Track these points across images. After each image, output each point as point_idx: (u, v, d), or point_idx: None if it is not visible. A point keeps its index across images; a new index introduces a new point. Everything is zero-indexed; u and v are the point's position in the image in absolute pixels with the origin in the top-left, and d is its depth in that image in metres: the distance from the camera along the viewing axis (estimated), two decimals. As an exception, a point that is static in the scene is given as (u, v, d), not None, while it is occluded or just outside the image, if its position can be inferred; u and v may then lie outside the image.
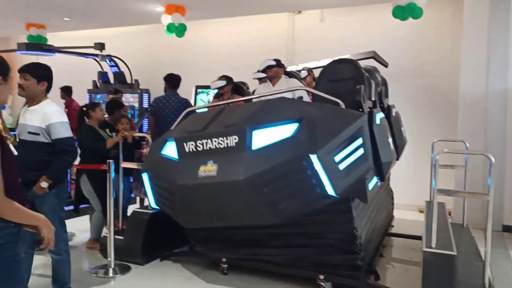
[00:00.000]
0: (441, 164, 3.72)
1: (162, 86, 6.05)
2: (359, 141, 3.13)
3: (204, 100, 8.00)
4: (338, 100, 3.46)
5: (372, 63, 6.06)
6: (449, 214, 5.62)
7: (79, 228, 5.39)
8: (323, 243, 3.54)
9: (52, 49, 8.37)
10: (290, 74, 5.30)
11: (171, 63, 8.66)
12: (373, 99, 4.27)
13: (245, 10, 7.60)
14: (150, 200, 3.74)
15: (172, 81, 5.79)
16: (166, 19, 7.18)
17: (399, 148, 4.68)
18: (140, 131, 7.68)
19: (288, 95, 4.44)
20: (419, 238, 4.82)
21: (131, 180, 5.32)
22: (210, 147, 3.18)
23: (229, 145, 3.12)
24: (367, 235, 3.78)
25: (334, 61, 4.69)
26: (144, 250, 4.25)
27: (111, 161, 4.00)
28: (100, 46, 7.94)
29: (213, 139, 3.17)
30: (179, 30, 7.23)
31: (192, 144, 3.26)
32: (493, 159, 3.12)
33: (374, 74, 5.06)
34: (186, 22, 7.30)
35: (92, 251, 4.63)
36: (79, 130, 4.70)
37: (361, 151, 3.13)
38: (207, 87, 7.01)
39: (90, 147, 4.58)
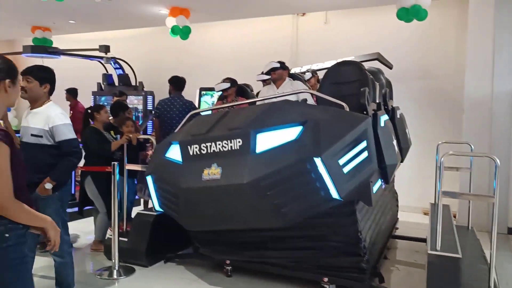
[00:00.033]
0: (446, 166, 3.70)
1: (166, 88, 6.07)
2: (364, 144, 3.12)
3: (209, 102, 8.01)
4: (342, 103, 3.45)
5: (376, 64, 6.05)
6: (454, 217, 5.59)
7: (84, 230, 5.41)
8: (327, 246, 3.54)
9: (57, 52, 8.41)
10: (294, 76, 5.30)
11: (175, 65, 8.69)
12: (377, 101, 4.26)
13: (249, 13, 7.61)
14: (154, 203, 3.75)
15: (177, 83, 5.80)
16: (171, 21, 7.20)
17: (403, 150, 4.67)
18: (145, 133, 7.71)
19: (292, 97, 4.44)
20: (423, 240, 4.80)
21: (136, 182, 5.33)
22: (214, 150, 3.18)
23: (233, 148, 3.12)
24: (371, 238, 3.77)
25: (338, 63, 4.69)
26: (148, 252, 4.26)
27: (115, 163, 4.02)
28: (105, 48, 7.98)
29: (217, 142, 3.17)
30: (183, 32, 7.26)
31: (196, 147, 3.27)
32: (498, 161, 3.10)
33: (379, 76, 5.05)
34: (190, 24, 7.32)
35: (97, 253, 4.66)
36: (84, 132, 4.73)
37: (365, 154, 3.12)
38: (211, 89, 7.03)
39: (95, 149, 4.60)
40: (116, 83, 8.76)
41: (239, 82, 5.48)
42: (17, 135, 3.39)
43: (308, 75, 5.95)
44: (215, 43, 8.69)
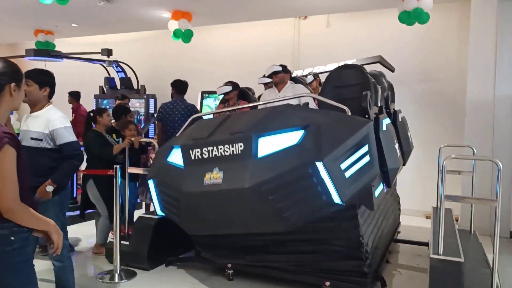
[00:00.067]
0: (448, 169, 3.70)
1: (168, 92, 6.08)
2: (365, 148, 3.12)
3: (211, 105, 8.03)
4: (344, 107, 3.45)
5: (378, 67, 6.05)
6: (456, 220, 5.58)
7: (85, 233, 5.42)
8: (329, 250, 3.53)
9: (59, 55, 8.45)
10: (295, 80, 5.30)
11: (177, 68, 8.71)
12: (379, 104, 4.26)
13: (251, 16, 7.63)
14: (156, 207, 3.75)
15: (180, 87, 5.81)
16: (173, 25, 7.23)
17: (405, 153, 4.66)
18: (146, 136, 7.72)
19: (294, 101, 4.45)
20: (425, 244, 4.79)
21: (137, 185, 5.34)
22: (216, 155, 3.18)
23: (234, 152, 3.11)
24: (373, 242, 3.76)
25: (340, 67, 4.69)
26: (150, 256, 4.26)
27: (117, 166, 4.02)
28: (107, 52, 8.00)
29: (219, 147, 3.17)
30: (185, 36, 7.28)
31: (198, 151, 3.26)
32: (501, 164, 3.09)
33: (380, 79, 5.05)
34: (192, 28, 7.35)
35: (98, 256, 4.65)
36: (86, 136, 4.74)
37: (367, 159, 3.12)
38: (213, 92, 7.04)
39: (97, 153, 4.61)
40: (118, 87, 8.78)
41: (241, 85, 5.49)
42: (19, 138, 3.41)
43: (310, 78, 5.95)
44: (217, 46, 8.71)
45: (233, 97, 5.27)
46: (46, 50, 8.57)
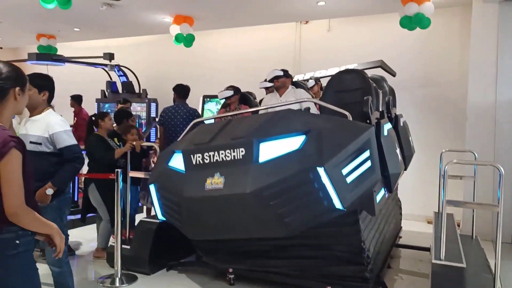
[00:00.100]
0: (449, 174, 3.69)
1: (170, 96, 6.09)
2: (367, 154, 3.12)
3: (213, 109, 8.04)
4: (346, 112, 3.45)
5: (379, 72, 6.06)
6: (458, 225, 5.56)
7: (86, 237, 5.42)
8: (330, 255, 3.52)
9: (61, 59, 8.48)
10: (297, 84, 5.31)
11: (178, 73, 8.73)
12: (380, 109, 4.26)
13: (252, 21, 7.65)
14: (157, 212, 3.75)
15: (182, 91, 5.83)
16: (175, 29, 7.25)
17: (407, 158, 4.66)
18: (148, 140, 7.73)
19: (295, 106, 4.45)
20: (427, 249, 4.77)
21: (139, 189, 5.34)
22: (217, 160, 3.18)
23: (236, 157, 3.11)
24: (375, 247, 3.75)
25: (341, 72, 4.70)
26: (151, 260, 4.25)
27: (119, 170, 4.03)
28: (109, 56, 8.03)
29: (220, 152, 3.17)
30: (187, 40, 7.30)
31: (199, 156, 3.26)
32: (502, 169, 3.09)
33: (382, 84, 5.06)
34: (194, 32, 7.37)
35: (99, 260, 4.65)
36: (88, 140, 4.75)
37: (368, 164, 3.12)
38: (215, 96, 7.06)
39: (99, 157, 4.61)
40: (120, 91, 8.81)
41: (242, 90, 5.50)
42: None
43: (311, 83, 5.96)
44: (218, 50, 8.73)
45: (235, 102, 5.27)
46: (48, 54, 8.61)
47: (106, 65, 8.35)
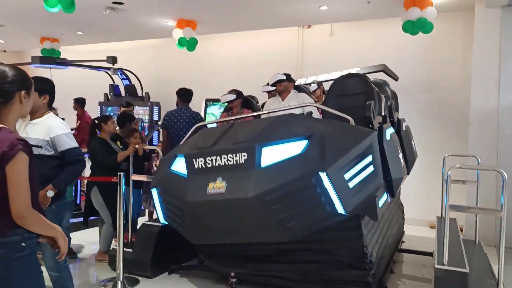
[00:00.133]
0: (452, 179, 3.68)
1: (172, 99, 6.11)
2: (369, 159, 3.11)
3: (215, 112, 8.05)
4: (348, 117, 3.44)
5: (382, 76, 6.06)
6: (461, 230, 5.54)
7: (89, 240, 5.42)
8: (333, 260, 3.52)
9: (65, 63, 8.52)
10: (299, 88, 5.32)
11: (181, 76, 8.76)
12: (383, 113, 4.26)
13: (255, 25, 7.67)
14: (159, 216, 3.75)
15: (185, 95, 5.85)
16: (178, 33, 7.28)
17: (409, 162, 4.65)
18: (150, 143, 7.74)
19: (298, 110, 4.45)
20: (430, 254, 4.75)
21: (141, 192, 5.35)
22: (219, 164, 3.18)
23: (238, 162, 3.11)
24: (378, 252, 3.74)
25: (343, 76, 4.70)
26: (153, 263, 4.25)
27: (121, 173, 4.03)
28: (112, 59, 8.06)
29: (223, 156, 3.16)
30: (190, 44, 7.33)
31: (201, 161, 3.26)
32: (506, 174, 3.08)
33: (384, 88, 5.05)
34: (197, 36, 7.40)
35: (101, 263, 4.65)
36: (91, 143, 4.76)
37: (371, 169, 3.11)
38: (217, 100, 7.07)
39: (102, 160, 4.62)
40: (123, 94, 8.84)
41: (245, 93, 5.50)
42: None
43: (313, 87, 5.96)
44: (221, 54, 8.76)
45: (237, 105, 5.28)
46: (51, 58, 8.65)
47: (109, 68, 8.39)
